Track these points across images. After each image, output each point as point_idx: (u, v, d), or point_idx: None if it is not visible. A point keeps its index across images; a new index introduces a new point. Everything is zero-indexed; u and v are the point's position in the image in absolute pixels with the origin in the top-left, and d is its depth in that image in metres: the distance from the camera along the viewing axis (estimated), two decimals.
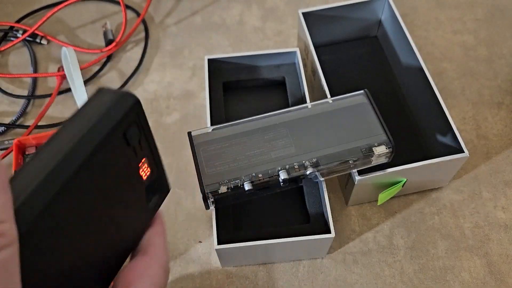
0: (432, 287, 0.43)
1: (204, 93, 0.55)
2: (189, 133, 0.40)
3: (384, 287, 0.43)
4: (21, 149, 0.48)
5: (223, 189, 0.37)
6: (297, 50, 0.49)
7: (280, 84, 0.50)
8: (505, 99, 0.54)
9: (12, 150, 0.48)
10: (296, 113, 0.41)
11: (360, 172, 0.41)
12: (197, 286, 0.43)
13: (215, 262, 0.44)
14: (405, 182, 0.43)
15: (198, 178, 0.38)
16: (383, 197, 0.43)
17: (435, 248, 0.45)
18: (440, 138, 0.45)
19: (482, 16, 0.61)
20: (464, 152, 0.41)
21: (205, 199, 0.37)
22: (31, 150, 0.49)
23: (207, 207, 0.38)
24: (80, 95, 0.51)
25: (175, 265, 0.44)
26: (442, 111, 0.44)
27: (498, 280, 0.43)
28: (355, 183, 0.41)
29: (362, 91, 0.42)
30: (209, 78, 0.49)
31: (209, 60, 0.48)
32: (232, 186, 0.37)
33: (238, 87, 0.50)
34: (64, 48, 0.52)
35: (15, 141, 0.47)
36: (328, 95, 0.45)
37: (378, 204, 0.44)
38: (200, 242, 0.45)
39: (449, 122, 0.43)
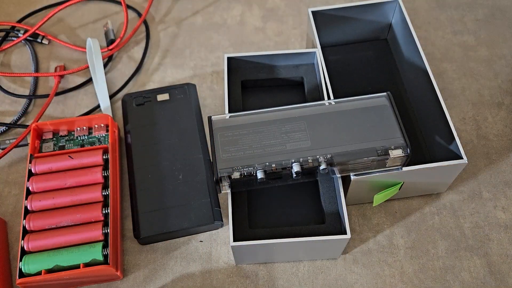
0: (432, 287, 0.43)
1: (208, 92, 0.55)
2: (209, 118, 0.41)
3: (384, 287, 0.43)
4: (39, 134, 0.49)
5: (236, 175, 0.38)
6: (317, 50, 0.48)
7: (298, 84, 0.51)
8: (505, 99, 0.54)
9: (29, 132, 0.49)
10: (315, 109, 0.41)
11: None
12: (197, 286, 0.43)
13: (216, 261, 0.44)
14: (401, 185, 0.43)
15: (212, 162, 0.38)
16: (378, 198, 0.43)
17: (435, 248, 0.45)
18: (440, 143, 0.45)
19: (482, 16, 0.61)
20: (463, 158, 0.41)
21: (217, 183, 0.38)
22: (48, 136, 0.49)
23: (219, 191, 0.39)
24: (101, 86, 0.52)
25: (176, 265, 0.44)
26: (444, 115, 0.43)
27: (498, 280, 0.43)
28: (351, 182, 0.41)
29: (384, 94, 0.41)
30: (228, 76, 0.49)
31: (228, 58, 0.48)
32: (245, 173, 0.38)
33: (256, 86, 0.51)
34: (89, 39, 0.52)
35: (33, 125, 0.48)
36: (330, 95, 0.45)
37: (374, 205, 0.44)
38: (201, 241, 0.46)
39: (450, 128, 0.42)
